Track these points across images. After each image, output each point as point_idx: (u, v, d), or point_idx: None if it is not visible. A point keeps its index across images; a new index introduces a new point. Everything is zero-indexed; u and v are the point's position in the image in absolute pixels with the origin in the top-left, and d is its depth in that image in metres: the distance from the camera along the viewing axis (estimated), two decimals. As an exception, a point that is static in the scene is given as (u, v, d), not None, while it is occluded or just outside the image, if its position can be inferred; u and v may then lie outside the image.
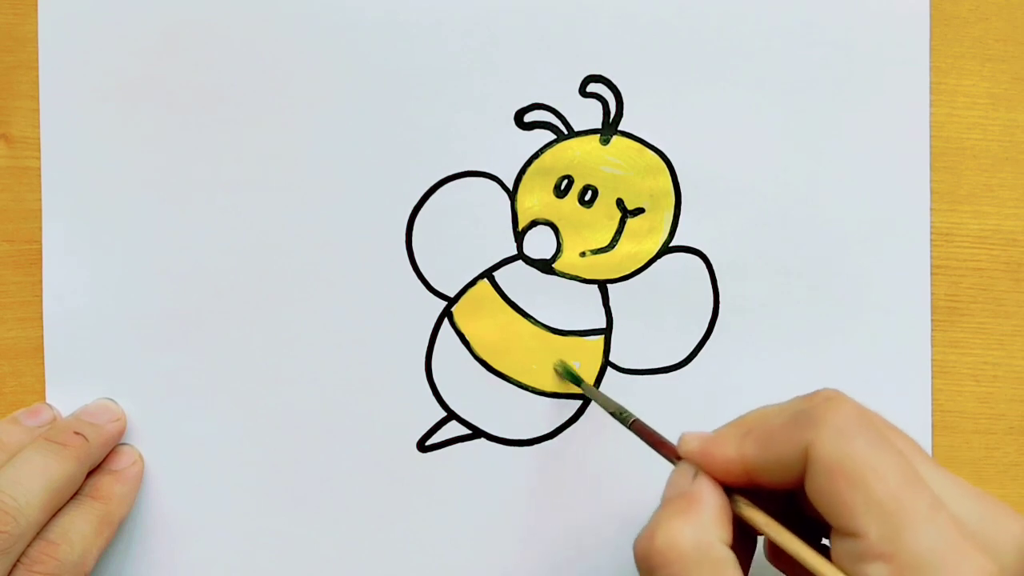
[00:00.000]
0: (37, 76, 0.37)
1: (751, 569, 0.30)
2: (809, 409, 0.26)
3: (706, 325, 0.38)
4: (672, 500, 0.28)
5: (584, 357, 0.38)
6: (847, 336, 0.38)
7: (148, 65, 0.37)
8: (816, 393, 0.27)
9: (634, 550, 0.27)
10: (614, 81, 0.37)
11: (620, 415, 0.33)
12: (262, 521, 0.37)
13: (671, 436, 0.37)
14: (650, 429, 0.32)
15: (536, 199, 0.38)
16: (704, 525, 0.26)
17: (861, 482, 0.25)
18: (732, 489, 0.28)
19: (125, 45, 0.37)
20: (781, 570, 0.30)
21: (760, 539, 0.31)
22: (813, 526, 0.28)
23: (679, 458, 0.29)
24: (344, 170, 0.37)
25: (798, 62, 0.38)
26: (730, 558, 0.26)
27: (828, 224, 0.38)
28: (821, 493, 0.25)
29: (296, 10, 0.37)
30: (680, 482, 0.28)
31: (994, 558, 0.24)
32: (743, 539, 0.29)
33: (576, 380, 0.37)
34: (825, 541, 0.27)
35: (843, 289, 0.38)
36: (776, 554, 0.30)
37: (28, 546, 0.32)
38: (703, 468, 0.28)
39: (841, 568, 0.25)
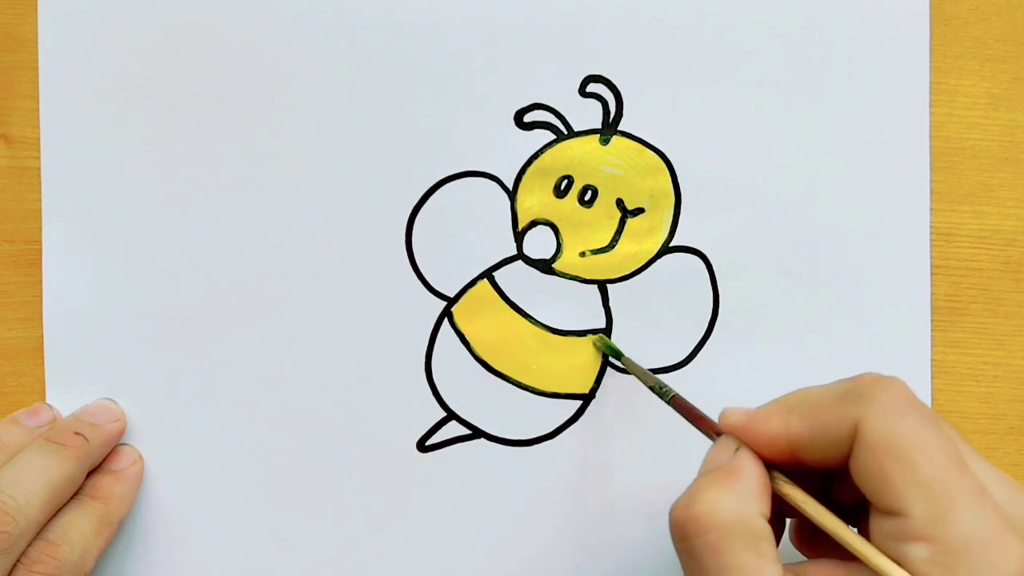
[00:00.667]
0: (37, 76, 0.37)
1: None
2: (859, 386, 0.26)
3: (706, 325, 0.38)
4: (713, 471, 0.27)
5: (584, 357, 0.38)
6: (847, 336, 0.38)
7: (148, 65, 0.37)
8: (864, 374, 0.27)
9: (670, 516, 0.27)
10: (614, 81, 0.37)
11: (660, 389, 0.33)
12: (262, 521, 0.37)
13: (671, 436, 0.37)
14: (689, 404, 0.31)
15: (536, 199, 0.38)
16: (745, 496, 0.26)
17: (908, 461, 0.24)
18: (771, 466, 0.27)
19: (125, 45, 0.37)
20: (805, 555, 0.30)
21: (787, 523, 0.30)
22: (846, 512, 0.28)
23: (718, 434, 0.29)
24: (344, 170, 0.37)
25: (798, 62, 0.38)
26: (767, 532, 0.26)
27: (828, 224, 0.38)
28: (867, 470, 0.25)
29: (296, 10, 0.37)
30: (721, 455, 0.28)
31: None
32: (775, 520, 0.28)
33: (616, 354, 0.37)
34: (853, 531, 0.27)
35: (843, 289, 0.38)
36: (802, 538, 0.30)
37: (28, 546, 0.32)
38: (746, 442, 0.28)
39: (880, 548, 0.25)
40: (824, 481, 0.29)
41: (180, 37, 0.37)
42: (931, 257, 0.38)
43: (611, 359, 0.37)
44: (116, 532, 0.35)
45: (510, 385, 0.38)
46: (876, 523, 0.25)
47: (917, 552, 0.24)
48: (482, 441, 0.37)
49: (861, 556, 0.25)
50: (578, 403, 0.37)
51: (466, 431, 0.37)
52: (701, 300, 0.38)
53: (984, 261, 0.38)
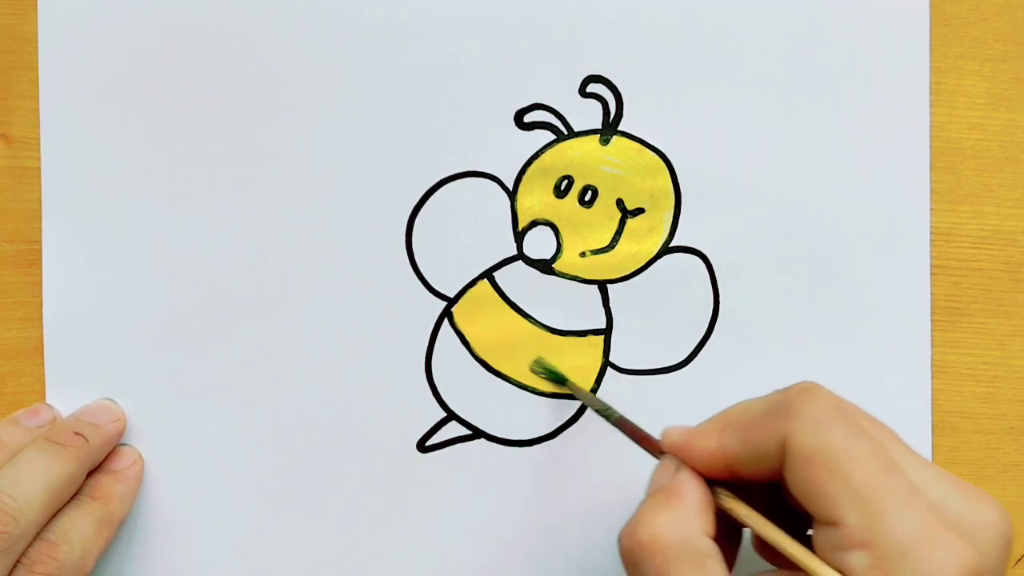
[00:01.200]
0: (37, 76, 0.37)
1: (739, 562, 0.30)
2: (785, 400, 0.27)
3: (706, 325, 0.38)
4: (655, 494, 0.28)
5: (584, 357, 0.38)
6: (847, 336, 0.38)
7: (148, 65, 0.37)
8: (793, 386, 0.28)
9: (619, 543, 0.27)
10: (614, 81, 0.37)
11: (604, 412, 0.33)
12: (262, 521, 0.37)
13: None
14: (633, 425, 0.32)
15: (536, 199, 0.38)
16: (686, 517, 0.27)
17: (839, 471, 0.25)
18: (715, 482, 0.28)
19: (125, 45, 0.37)
20: (768, 562, 0.30)
21: (748, 532, 0.31)
22: (799, 519, 0.28)
23: (663, 453, 0.29)
24: (344, 170, 0.37)
25: (798, 62, 0.38)
26: (712, 550, 0.26)
27: (828, 224, 0.38)
28: (800, 483, 0.25)
29: (296, 10, 0.37)
30: (663, 476, 0.29)
31: (973, 543, 0.24)
32: (729, 532, 0.29)
33: (558, 379, 0.37)
34: (811, 532, 0.27)
35: (843, 289, 0.38)
36: (763, 546, 0.31)
37: (28, 546, 0.31)
38: (685, 461, 0.28)
39: (823, 558, 0.25)
40: (774, 491, 0.29)
41: (180, 37, 0.37)
42: (931, 257, 0.38)
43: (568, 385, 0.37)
44: (116, 532, 0.35)
45: (510, 385, 0.38)
46: (818, 533, 0.25)
47: (857, 560, 0.24)
48: (482, 441, 0.37)
49: (804, 567, 0.25)
50: (578, 403, 0.37)
51: (466, 431, 0.37)
52: (701, 300, 0.38)
53: (984, 261, 0.38)
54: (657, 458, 0.30)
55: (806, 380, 0.28)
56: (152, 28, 0.37)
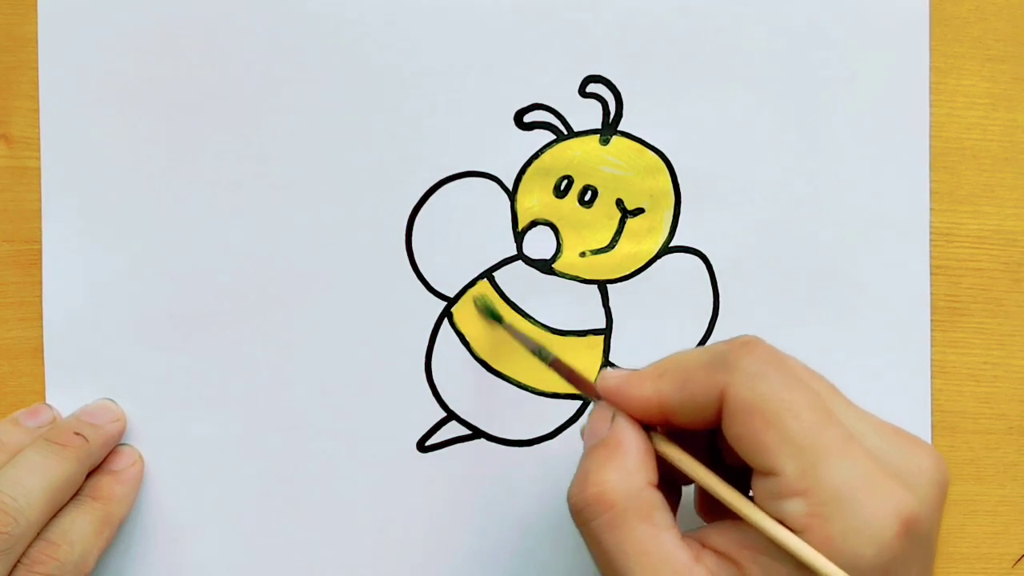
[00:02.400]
0: (37, 76, 0.37)
1: (681, 515, 0.30)
2: (724, 352, 0.27)
3: (706, 325, 0.38)
4: (596, 447, 0.28)
5: (584, 357, 0.38)
6: (847, 336, 0.38)
7: (148, 65, 0.37)
8: (735, 338, 0.28)
9: (568, 502, 0.28)
10: (614, 81, 0.37)
11: (539, 353, 0.33)
12: (262, 521, 0.37)
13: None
14: (569, 367, 0.32)
15: (536, 199, 0.38)
16: (630, 469, 0.27)
17: (775, 421, 0.25)
18: (651, 427, 0.28)
19: (125, 45, 0.37)
20: (707, 522, 0.30)
21: (690, 492, 0.31)
22: (736, 472, 0.28)
23: (599, 397, 0.29)
24: (344, 170, 0.37)
25: (798, 62, 0.38)
26: (659, 500, 0.27)
27: (828, 224, 0.38)
28: (738, 434, 0.26)
29: (296, 10, 0.37)
30: (599, 426, 0.29)
31: (910, 488, 0.25)
32: (667, 483, 0.29)
33: (496, 317, 0.36)
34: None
35: (843, 289, 0.38)
36: (705, 508, 0.31)
37: (28, 546, 0.32)
38: (621, 406, 0.28)
39: (761, 506, 0.25)
40: (713, 444, 0.29)
41: (180, 37, 0.37)
42: (931, 257, 0.38)
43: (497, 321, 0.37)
44: (116, 532, 0.35)
45: (510, 385, 0.38)
46: (756, 483, 0.26)
47: (793, 507, 0.24)
48: (482, 441, 0.37)
49: (740, 513, 0.26)
50: (578, 403, 0.37)
51: (466, 431, 0.37)
52: (701, 300, 0.38)
53: (984, 261, 0.38)
54: (593, 401, 0.30)
55: (748, 334, 0.28)
56: (152, 28, 0.37)
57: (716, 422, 0.27)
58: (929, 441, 0.38)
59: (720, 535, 0.27)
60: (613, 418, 0.28)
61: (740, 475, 0.28)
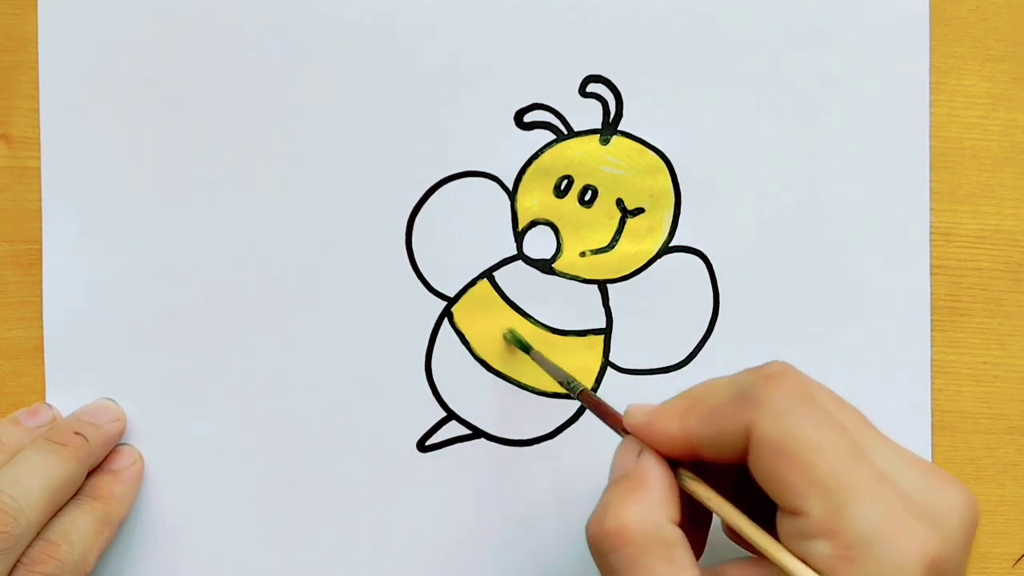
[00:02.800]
0: (37, 76, 0.37)
1: (710, 544, 0.30)
2: (751, 386, 0.26)
3: (706, 325, 0.38)
4: (619, 481, 0.28)
5: (584, 357, 0.38)
6: (847, 336, 0.38)
7: (148, 65, 0.37)
8: (762, 368, 0.27)
9: (586, 533, 0.27)
10: (614, 81, 0.37)
11: (568, 384, 0.33)
12: (262, 521, 0.37)
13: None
14: (598, 399, 0.31)
15: (536, 199, 0.38)
16: (652, 505, 0.26)
17: (802, 461, 0.25)
18: (678, 462, 0.28)
19: (125, 45, 0.37)
20: (740, 546, 0.30)
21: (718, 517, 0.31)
22: (766, 500, 0.28)
23: (626, 432, 0.29)
24: (344, 170, 0.37)
25: (798, 62, 0.38)
26: (679, 538, 0.26)
27: (828, 224, 0.38)
28: (764, 472, 0.25)
29: (296, 10, 0.37)
30: (626, 460, 0.28)
31: (937, 529, 0.24)
32: (697, 515, 0.29)
33: (525, 348, 0.36)
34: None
35: (843, 289, 0.38)
36: (732, 530, 0.31)
37: (28, 546, 0.31)
38: (647, 442, 0.28)
39: (787, 545, 0.25)
40: (740, 474, 0.29)
41: (180, 37, 0.37)
42: (931, 257, 0.38)
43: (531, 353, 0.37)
44: (116, 532, 0.35)
45: (510, 385, 0.38)
46: (781, 521, 0.25)
47: (819, 548, 0.24)
48: (482, 441, 0.37)
49: (765, 552, 0.25)
50: (578, 403, 0.37)
51: (466, 431, 0.37)
52: (701, 300, 0.38)
53: (984, 261, 0.38)
54: (621, 436, 0.29)
55: (777, 361, 0.28)
56: (152, 28, 0.37)
57: (744, 458, 0.26)
58: (929, 441, 0.38)
59: (742, 572, 0.26)
60: (640, 453, 0.28)
61: (767, 505, 0.28)
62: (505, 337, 0.37)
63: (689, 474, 0.28)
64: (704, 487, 0.27)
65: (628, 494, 0.27)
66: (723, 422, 0.26)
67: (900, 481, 0.25)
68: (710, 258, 0.38)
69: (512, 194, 0.38)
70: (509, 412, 0.37)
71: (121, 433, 0.37)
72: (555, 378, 0.34)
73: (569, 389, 0.33)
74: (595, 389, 0.38)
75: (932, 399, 0.38)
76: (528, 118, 0.37)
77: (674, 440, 0.27)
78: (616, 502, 0.27)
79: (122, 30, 0.37)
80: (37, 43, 0.37)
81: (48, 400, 0.37)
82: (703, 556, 0.30)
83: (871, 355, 0.38)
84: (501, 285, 0.38)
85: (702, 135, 0.37)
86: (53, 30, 0.37)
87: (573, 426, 0.37)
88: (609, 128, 0.38)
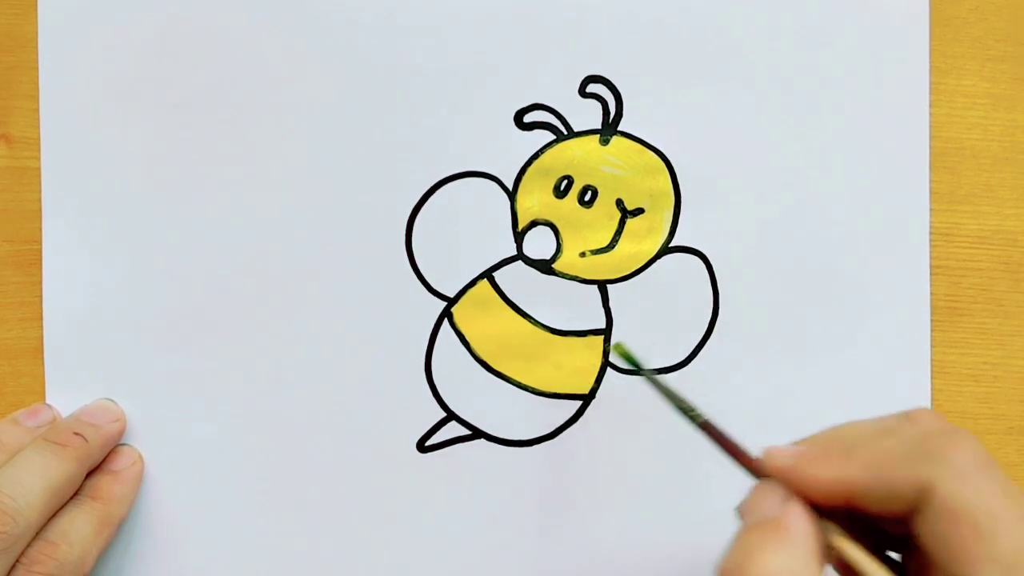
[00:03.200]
0: (37, 76, 0.37)
1: None
2: (929, 443, 0.25)
3: (706, 325, 0.38)
4: (763, 527, 0.25)
5: (584, 357, 0.38)
6: (847, 336, 0.38)
7: (148, 65, 0.37)
8: (930, 426, 0.26)
9: (719, 570, 0.25)
10: (614, 81, 0.37)
11: (689, 412, 0.29)
12: (262, 521, 0.37)
13: (671, 436, 0.37)
14: (725, 436, 0.28)
15: (536, 199, 0.38)
16: (801, 561, 0.25)
17: (984, 532, 0.23)
18: (822, 514, 0.26)
19: (125, 45, 0.37)
20: None
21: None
22: (875, 533, 0.27)
23: (758, 471, 0.27)
24: (344, 170, 0.37)
25: (798, 62, 0.38)
26: None
27: (828, 224, 0.38)
28: (938, 537, 0.24)
29: (296, 10, 0.37)
30: (767, 505, 0.26)
31: None
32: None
33: (636, 365, 0.35)
34: (892, 554, 0.26)
35: (843, 289, 0.38)
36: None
37: (28, 546, 0.32)
38: (795, 488, 0.26)
39: None
40: (867, 522, 0.27)
41: (180, 37, 0.37)
42: (931, 257, 0.38)
43: (643, 372, 0.35)
44: (116, 532, 0.35)
45: (510, 385, 0.38)
46: None
47: None
48: (482, 441, 0.37)
49: None
50: (578, 403, 0.37)
51: (466, 431, 0.37)
52: (701, 300, 0.38)
53: (984, 261, 0.38)
54: (749, 474, 0.27)
55: (925, 409, 0.26)
56: (152, 28, 0.37)
57: (908, 514, 0.25)
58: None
59: None
60: (785, 499, 0.26)
61: (882, 538, 0.26)
62: (615, 350, 0.37)
63: (838, 530, 0.26)
64: (858, 549, 0.25)
65: (773, 543, 0.25)
66: (895, 475, 0.25)
67: None
68: (710, 258, 0.38)
69: (512, 194, 0.38)
70: (509, 412, 0.37)
71: (121, 433, 0.37)
72: (672, 404, 0.30)
73: (690, 418, 0.29)
74: (595, 389, 0.37)
75: (932, 399, 0.38)
76: (528, 118, 0.37)
77: (828, 487, 0.26)
78: (760, 548, 0.25)
79: (122, 30, 0.37)
80: (37, 43, 0.37)
81: (48, 400, 0.37)
82: None
83: (871, 355, 0.38)
84: (501, 285, 0.38)
85: (702, 135, 0.37)
86: (53, 30, 0.37)
87: (573, 426, 0.37)
88: (609, 128, 0.38)
